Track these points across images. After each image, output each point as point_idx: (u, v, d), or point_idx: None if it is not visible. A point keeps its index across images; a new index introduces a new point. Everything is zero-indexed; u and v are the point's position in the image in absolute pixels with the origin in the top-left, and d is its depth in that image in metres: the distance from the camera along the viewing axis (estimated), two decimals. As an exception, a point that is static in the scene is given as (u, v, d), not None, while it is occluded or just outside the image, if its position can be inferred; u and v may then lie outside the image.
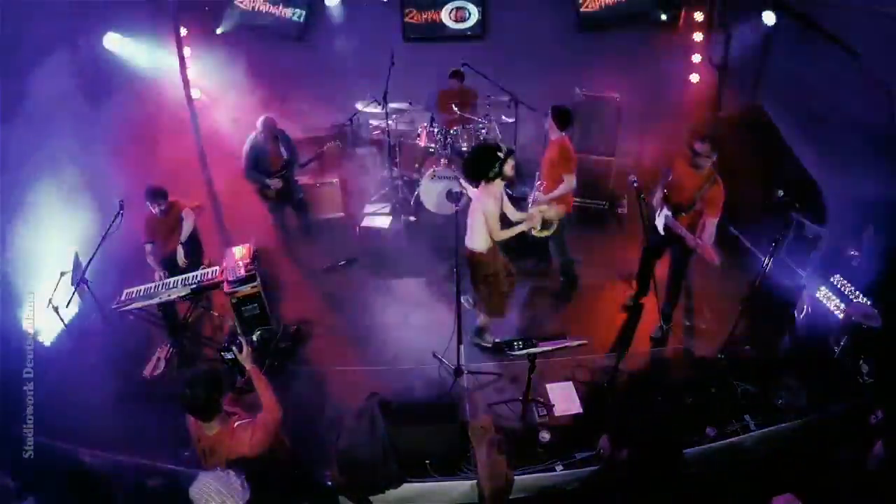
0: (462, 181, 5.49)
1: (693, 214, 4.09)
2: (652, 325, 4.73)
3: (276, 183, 5.47)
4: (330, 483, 3.48)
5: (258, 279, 4.56)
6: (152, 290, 4.39)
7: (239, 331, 4.58)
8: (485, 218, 3.93)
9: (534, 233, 4.30)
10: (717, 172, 4.02)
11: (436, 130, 5.98)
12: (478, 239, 4.06)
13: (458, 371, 4.30)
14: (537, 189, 4.79)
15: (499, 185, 4.00)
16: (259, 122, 5.37)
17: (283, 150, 5.52)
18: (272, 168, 5.47)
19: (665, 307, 4.57)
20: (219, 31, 6.33)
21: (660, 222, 4.27)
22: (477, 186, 4.02)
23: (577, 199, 6.47)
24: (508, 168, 3.94)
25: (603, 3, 6.42)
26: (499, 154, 3.88)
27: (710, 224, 3.96)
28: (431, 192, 5.76)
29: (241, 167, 5.53)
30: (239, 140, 5.91)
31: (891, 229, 4.42)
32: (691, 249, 4.14)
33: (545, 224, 4.36)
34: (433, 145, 5.96)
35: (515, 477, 3.52)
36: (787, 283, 5.20)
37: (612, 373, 4.19)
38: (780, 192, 5.73)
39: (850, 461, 2.97)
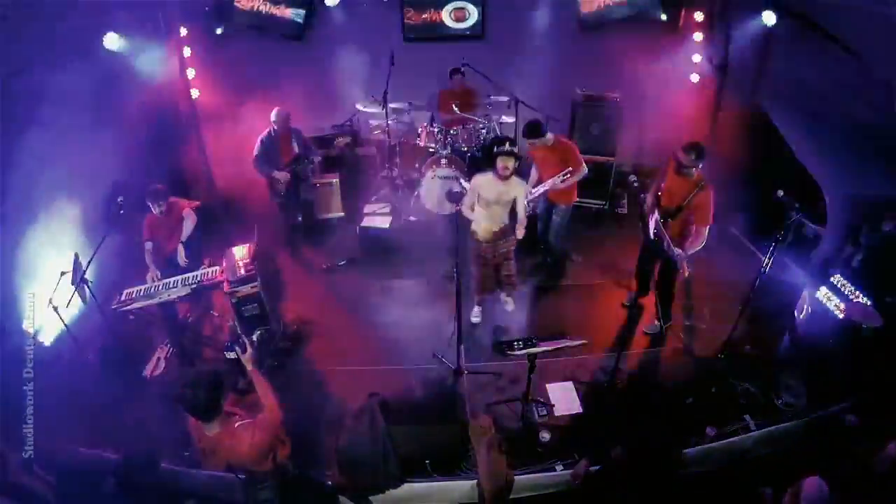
0: (462, 181, 5.50)
1: (681, 221, 4.11)
2: (648, 322, 4.78)
3: (283, 175, 5.44)
4: (330, 483, 3.48)
5: (258, 279, 4.55)
6: (152, 290, 4.39)
7: (239, 331, 4.58)
8: (469, 191, 4.34)
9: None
10: (708, 180, 4.02)
11: (436, 130, 5.97)
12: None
13: (458, 371, 4.30)
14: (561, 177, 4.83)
15: (492, 175, 4.22)
16: (273, 114, 5.32)
17: (294, 144, 5.50)
18: (282, 161, 5.46)
19: (660, 309, 4.62)
20: (219, 31, 6.33)
21: (651, 225, 4.31)
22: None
23: (576, 199, 6.50)
24: (499, 165, 4.12)
25: (603, 3, 6.42)
26: (493, 149, 4.15)
27: (700, 232, 3.98)
28: (432, 192, 5.76)
29: (244, 163, 5.52)
30: (239, 140, 5.91)
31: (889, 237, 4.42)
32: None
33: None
34: (433, 145, 5.96)
35: (515, 477, 3.52)
36: (788, 283, 5.21)
37: (612, 373, 4.19)
38: (780, 192, 5.74)
39: (858, 461, 2.96)
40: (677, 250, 3.94)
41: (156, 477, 3.02)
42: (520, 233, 4.41)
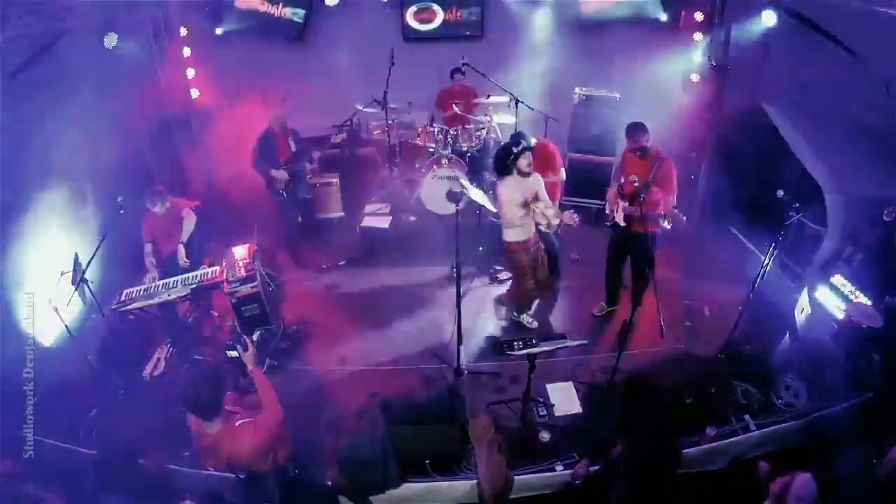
0: (462, 181, 5.50)
1: (651, 196, 4.19)
2: (651, 323, 4.70)
3: (281, 174, 5.46)
4: (330, 483, 3.48)
5: (258, 279, 4.55)
6: (152, 290, 4.39)
7: (239, 330, 4.59)
8: (500, 204, 4.28)
9: (542, 228, 4.51)
10: (665, 152, 4.26)
11: (436, 130, 5.97)
12: (506, 229, 4.40)
13: (458, 371, 4.30)
14: None
15: (517, 178, 4.23)
16: (271, 114, 5.34)
17: (291, 143, 5.50)
18: (279, 160, 5.47)
19: (636, 295, 4.57)
20: (219, 31, 6.33)
21: (619, 215, 4.41)
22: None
23: (576, 200, 6.51)
24: (523, 163, 4.19)
25: (603, 3, 6.42)
26: (513, 150, 4.16)
27: (667, 201, 4.14)
28: (432, 192, 5.76)
29: (244, 163, 5.53)
30: (239, 140, 5.91)
31: (890, 228, 4.42)
32: (650, 242, 4.20)
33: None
34: (433, 145, 5.96)
35: (515, 477, 3.53)
36: (787, 283, 5.21)
37: (611, 373, 4.19)
38: (780, 192, 5.74)
39: (858, 464, 2.96)
40: (661, 211, 4.07)
41: (135, 473, 3.01)
42: (569, 218, 4.44)
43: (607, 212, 4.60)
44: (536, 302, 4.98)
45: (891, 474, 2.76)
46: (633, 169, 4.28)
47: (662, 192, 4.17)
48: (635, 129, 4.19)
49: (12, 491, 2.93)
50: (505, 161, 4.20)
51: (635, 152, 4.23)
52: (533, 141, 4.83)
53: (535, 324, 4.93)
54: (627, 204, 4.29)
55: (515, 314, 4.96)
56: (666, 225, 4.04)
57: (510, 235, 4.40)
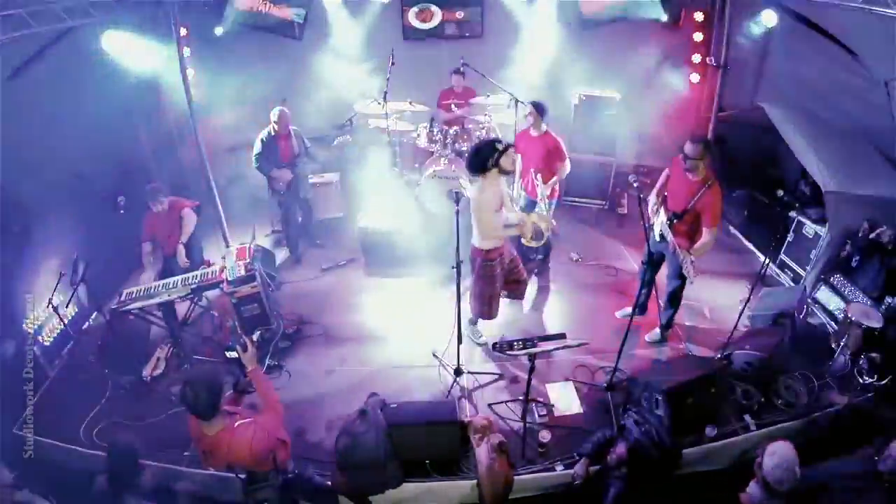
0: (462, 181, 5.50)
1: (688, 222, 4.00)
2: (650, 327, 4.72)
3: (284, 174, 5.46)
4: (330, 483, 3.48)
5: (258, 279, 4.55)
6: (152, 290, 4.39)
7: (239, 330, 4.59)
8: (479, 208, 3.94)
9: (523, 241, 4.36)
10: (715, 177, 3.90)
11: (436, 130, 5.97)
12: (475, 234, 4.12)
13: (458, 371, 4.30)
14: (534, 180, 4.81)
15: (496, 178, 3.97)
16: (274, 114, 5.32)
17: (293, 143, 5.52)
18: (282, 160, 5.47)
19: (664, 317, 4.55)
20: (219, 31, 6.32)
21: (657, 227, 4.20)
22: (477, 178, 4.02)
23: (576, 200, 6.52)
24: (507, 162, 3.91)
25: (603, 3, 6.42)
26: (497, 147, 3.89)
27: (707, 234, 3.86)
28: (431, 192, 5.75)
29: (244, 163, 5.54)
30: (239, 140, 5.92)
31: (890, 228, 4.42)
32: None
33: (536, 234, 4.37)
34: (433, 145, 5.96)
35: (515, 477, 3.53)
36: (787, 283, 5.21)
37: (611, 373, 4.19)
38: (780, 192, 5.74)
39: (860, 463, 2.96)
40: (684, 254, 3.85)
41: (137, 472, 3.01)
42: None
43: (649, 219, 4.27)
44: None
45: (892, 470, 2.75)
46: (677, 185, 4.04)
47: (703, 222, 3.88)
48: (695, 139, 3.81)
49: (4, 499, 2.92)
50: (488, 157, 3.85)
51: (684, 165, 3.88)
52: (544, 126, 4.88)
53: (485, 339, 4.69)
54: (664, 220, 4.05)
55: (470, 327, 4.67)
56: (682, 261, 3.82)
57: (476, 240, 4.11)
